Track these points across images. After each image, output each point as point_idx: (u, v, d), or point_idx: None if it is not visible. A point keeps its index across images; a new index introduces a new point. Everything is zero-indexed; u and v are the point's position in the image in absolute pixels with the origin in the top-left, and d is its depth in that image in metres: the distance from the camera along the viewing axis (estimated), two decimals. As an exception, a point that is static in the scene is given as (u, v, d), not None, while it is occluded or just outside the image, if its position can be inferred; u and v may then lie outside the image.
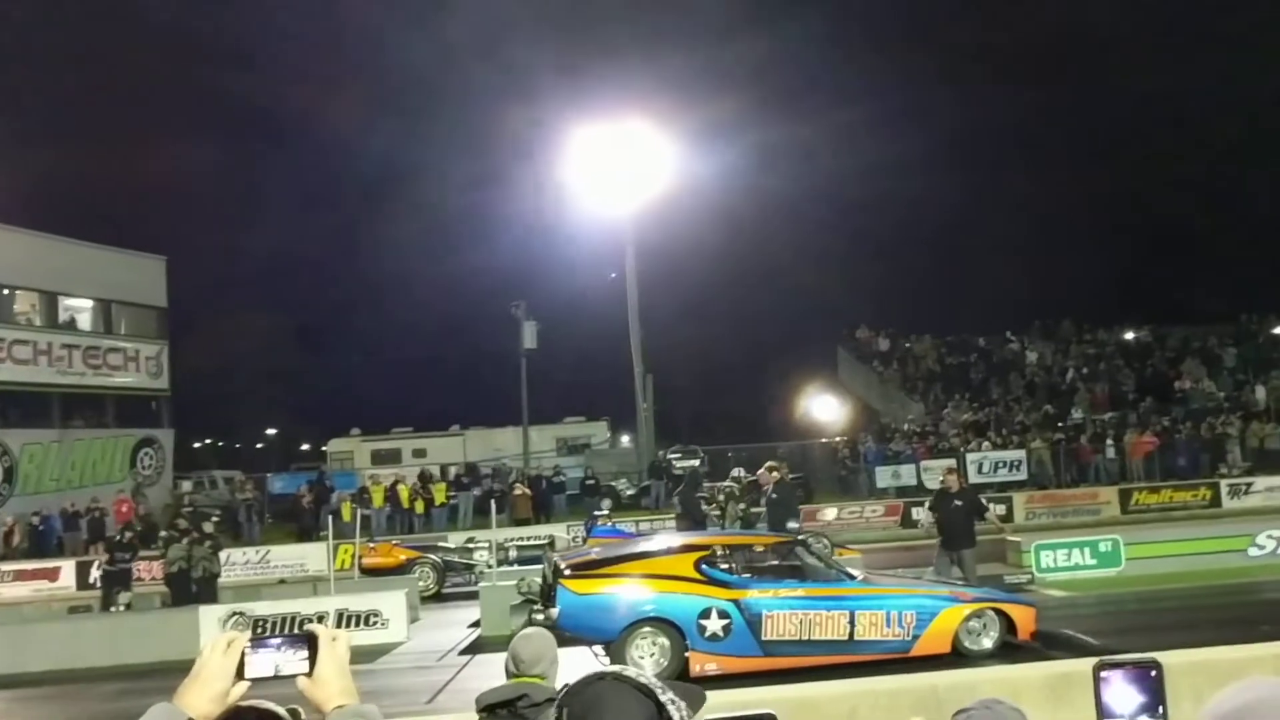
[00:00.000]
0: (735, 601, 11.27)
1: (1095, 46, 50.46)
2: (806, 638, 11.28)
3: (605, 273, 35.89)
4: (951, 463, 30.37)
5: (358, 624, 15.13)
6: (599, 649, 11.31)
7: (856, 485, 32.04)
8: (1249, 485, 29.36)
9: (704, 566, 11.58)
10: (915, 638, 11.38)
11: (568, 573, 11.49)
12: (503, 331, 39.79)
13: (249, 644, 1.90)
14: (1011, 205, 52.17)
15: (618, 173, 30.38)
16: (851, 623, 11.33)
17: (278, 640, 1.93)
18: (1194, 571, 16.91)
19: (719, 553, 12.12)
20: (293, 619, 14.65)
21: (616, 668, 1.87)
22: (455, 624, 16.26)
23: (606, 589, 11.38)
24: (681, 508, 18.62)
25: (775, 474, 16.94)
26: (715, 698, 6.04)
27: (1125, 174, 50.58)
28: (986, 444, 32.24)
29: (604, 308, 37.81)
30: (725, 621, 11.17)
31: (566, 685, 1.88)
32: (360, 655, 13.60)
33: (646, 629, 11.18)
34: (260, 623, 14.60)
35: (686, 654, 11.09)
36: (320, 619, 14.30)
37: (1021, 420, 34.33)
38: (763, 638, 11.23)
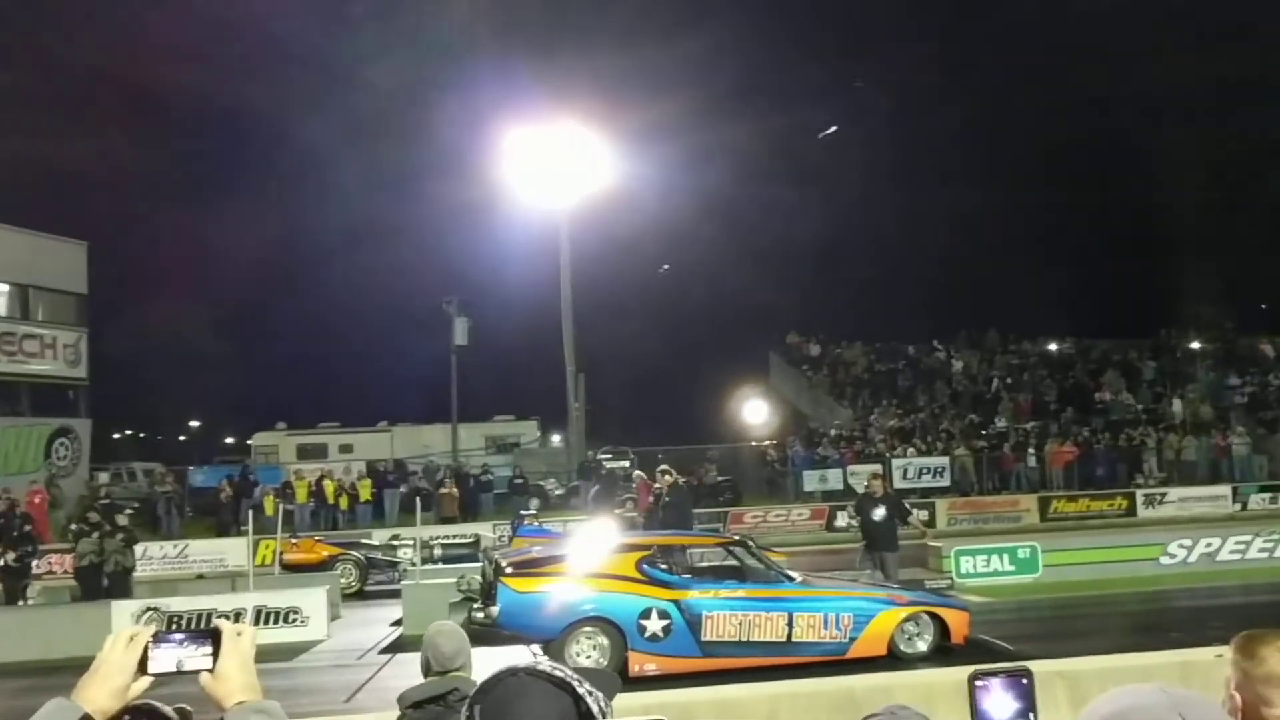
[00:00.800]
0: (676, 602, 11.30)
1: (1030, 59, 51.46)
2: (746, 639, 11.34)
3: (537, 269, 35.74)
4: (877, 468, 30.75)
5: (277, 621, 14.89)
6: (538, 648, 11.27)
7: (784, 488, 32.32)
8: (1164, 495, 30.20)
9: (645, 566, 11.59)
10: (852, 640, 11.50)
11: (509, 571, 11.44)
12: (433, 327, 39.51)
13: (152, 638, 1.86)
14: (942, 216, 52.98)
15: (553, 171, 30.30)
16: (790, 624, 11.41)
17: (181, 635, 1.89)
18: (1109, 579, 17.35)
19: (660, 553, 12.14)
20: (209, 615, 14.37)
21: (530, 661, 1.83)
22: (377, 622, 16.09)
23: (547, 588, 11.34)
24: (595, 509, 18.56)
25: (668, 478, 16.95)
26: (634, 699, 6.04)
27: (1054, 189, 51.65)
28: (912, 450, 32.74)
29: (536, 306, 37.72)
30: (665, 622, 11.19)
31: (477, 682, 1.83)
32: (279, 653, 13.43)
33: (587, 628, 11.17)
34: (175, 619, 14.29)
35: (626, 654, 11.09)
36: (237, 616, 14.03)
37: (946, 428, 34.89)
38: (702, 638, 11.26)
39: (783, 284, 49.34)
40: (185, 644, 1.88)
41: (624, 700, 5.79)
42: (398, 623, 15.35)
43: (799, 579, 12.17)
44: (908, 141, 55.43)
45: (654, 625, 11.17)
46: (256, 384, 57.89)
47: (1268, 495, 30.34)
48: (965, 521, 29.02)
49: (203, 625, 1.95)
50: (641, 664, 11.08)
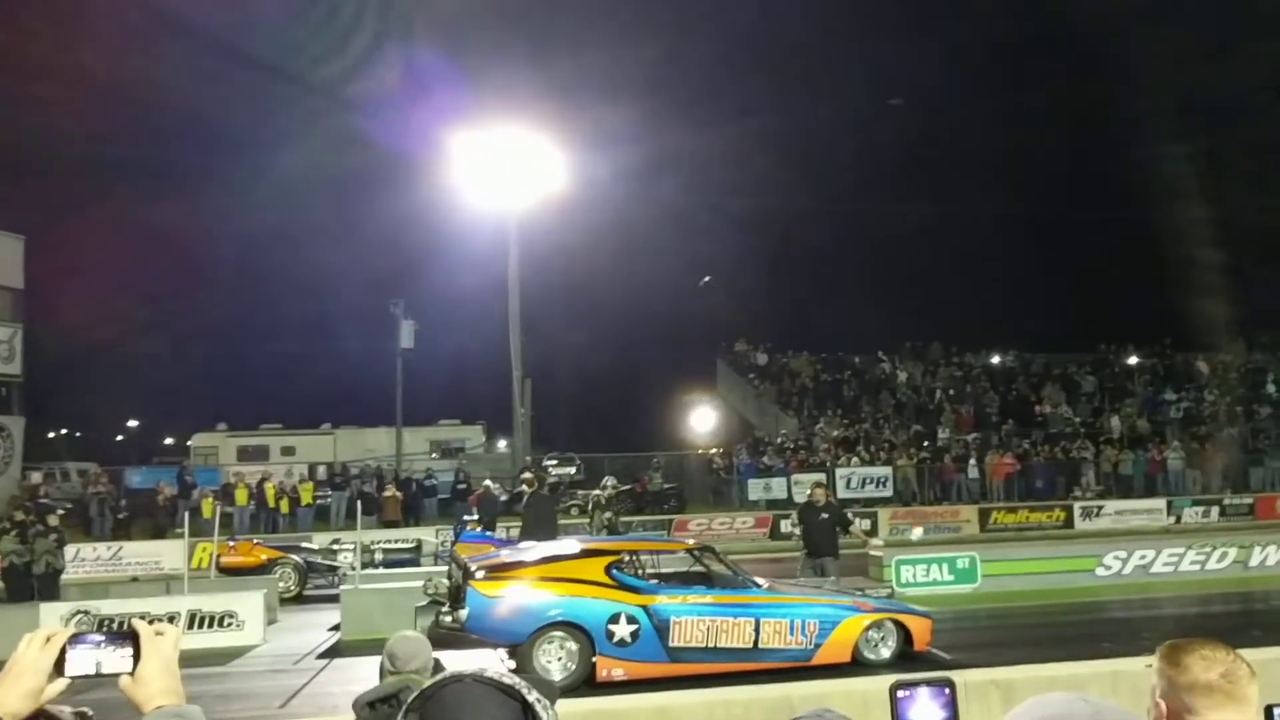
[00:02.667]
0: (644, 607, 11.29)
1: (976, 71, 52.23)
2: (713, 645, 11.38)
3: (486, 274, 35.57)
4: (821, 477, 30.98)
5: (212, 625, 14.65)
6: (503, 653, 11.20)
7: (729, 496, 32.44)
8: (1100, 508, 30.75)
9: (614, 571, 11.58)
10: (817, 646, 11.57)
11: (479, 575, 11.35)
12: (379, 330, 39.15)
13: (69, 640, 1.81)
14: (889, 230, 53.51)
15: (503, 175, 30.19)
16: (757, 630, 11.47)
17: (100, 637, 1.84)
18: (1045, 590, 17.60)
19: (629, 558, 12.15)
20: (141, 619, 14.08)
21: (476, 668, 1.78)
22: (315, 627, 15.88)
23: (516, 592, 11.27)
24: (534, 516, 18.34)
25: (526, 481, 16.83)
26: (573, 705, 6.01)
27: (999, 204, 52.38)
28: (856, 460, 33.01)
29: (484, 310, 37.52)
30: (634, 627, 11.18)
31: (420, 688, 1.78)
32: (213, 658, 13.23)
33: (556, 633, 11.13)
34: (106, 622, 14.00)
35: (594, 659, 11.07)
36: (171, 619, 13.77)
37: (889, 438, 35.23)
38: (670, 644, 11.27)
39: (732, 292, 49.53)
40: (104, 646, 1.83)
41: (567, 705, 5.76)
42: (336, 628, 15.17)
43: (766, 585, 12.24)
44: (855, 154, 55.97)
45: (622, 630, 11.16)
46: (197, 384, 56.97)
47: (1201, 509, 31.02)
48: (906, 531, 29.30)
49: (127, 627, 1.89)
50: (609, 669, 11.08)
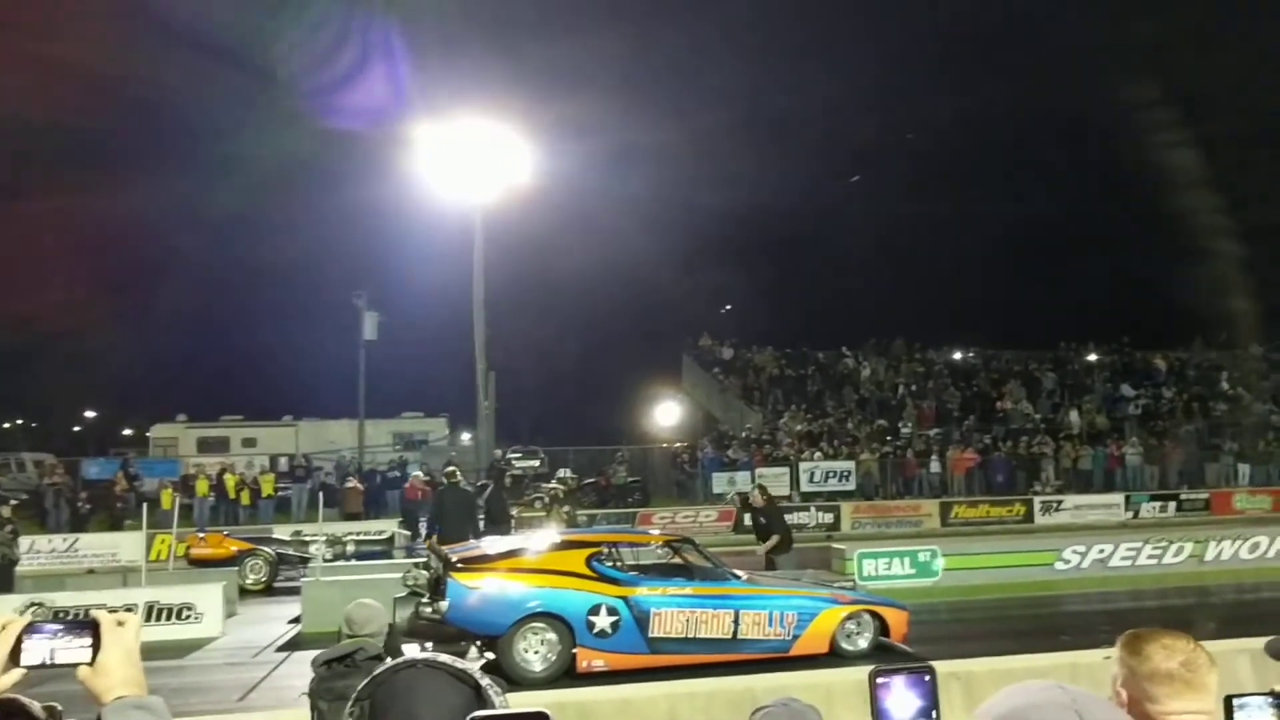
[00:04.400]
0: (625, 598, 11.35)
1: (938, 69, 52.57)
2: (692, 636, 11.45)
3: (451, 267, 35.35)
4: (784, 471, 31.27)
5: (170, 618, 14.49)
6: (475, 643, 11.17)
7: (693, 490, 32.50)
8: (1060, 503, 31.10)
9: (595, 563, 11.62)
10: (795, 637, 11.68)
11: (459, 566, 11.36)
12: (342, 322, 38.85)
13: (25, 629, 1.77)
14: (853, 227, 53.82)
15: (468, 167, 30.00)
16: (736, 622, 11.57)
17: (58, 626, 1.80)
18: (1005, 583, 17.78)
19: (609, 550, 12.20)
20: (99, 610, 13.91)
21: (428, 654, 1.78)
22: (275, 619, 15.75)
23: (496, 583, 11.27)
24: (487, 508, 18.32)
25: (448, 479, 16.81)
26: (529, 697, 6.00)
27: (962, 202, 52.82)
28: (819, 454, 33.17)
29: (448, 303, 37.31)
30: (614, 618, 11.24)
31: (379, 645, 1.78)
32: (171, 650, 13.08)
33: (536, 624, 11.13)
34: (61, 614, 13.82)
35: (575, 649, 11.10)
36: (127, 611, 13.61)
37: (853, 433, 35.43)
38: (650, 635, 11.33)
39: (697, 287, 49.63)
40: (62, 635, 1.79)
41: (530, 698, 5.75)
42: (297, 620, 15.05)
43: (745, 577, 12.32)
44: (821, 149, 56.20)
45: (603, 621, 11.22)
46: (156, 375, 56.31)
47: (1158, 504, 31.45)
48: (868, 525, 29.54)
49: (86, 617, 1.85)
50: (590, 660, 11.12)
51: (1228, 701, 2.48)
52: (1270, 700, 2.59)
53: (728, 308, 46.64)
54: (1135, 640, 2.30)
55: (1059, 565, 18.90)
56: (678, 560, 12.41)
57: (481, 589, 11.16)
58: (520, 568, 11.51)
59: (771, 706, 2.57)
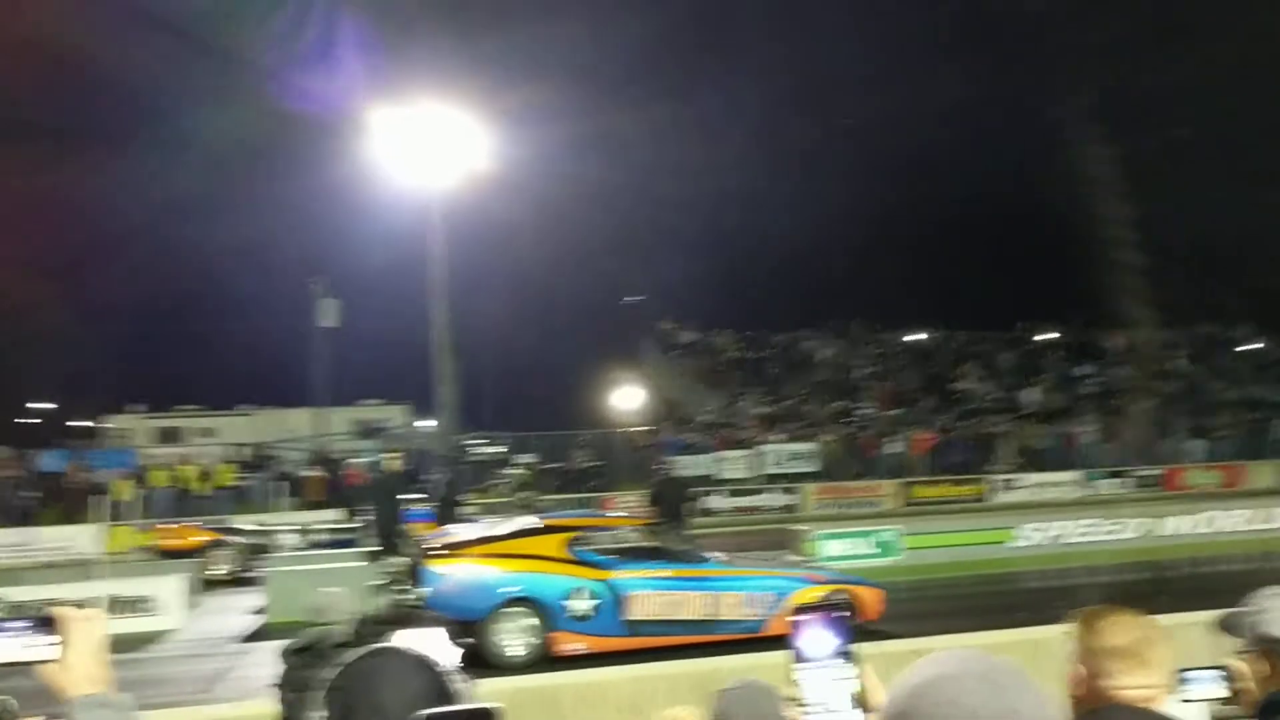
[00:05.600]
0: (603, 582, 11.44)
1: (889, 53, 52.76)
2: (670, 618, 11.57)
3: (409, 252, 35.10)
4: (746, 453, 31.41)
5: (129, 610, 14.35)
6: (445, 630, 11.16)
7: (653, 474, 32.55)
8: (1017, 481, 31.51)
9: (574, 547, 11.70)
10: (770, 616, 11.77)
11: (437, 552, 11.41)
12: (300, 308, 38.51)
13: None
14: (810, 209, 53.98)
15: (426, 152, 29.79)
16: (713, 603, 11.71)
17: (23, 623, 1.79)
18: (964, 561, 18.01)
19: (586, 534, 12.27)
20: (55, 604, 13.74)
21: (394, 642, 1.80)
22: (237, 610, 15.63)
23: (475, 569, 11.33)
24: (443, 494, 18.39)
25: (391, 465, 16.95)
26: (497, 684, 6.01)
27: (918, 184, 53.12)
28: (780, 436, 33.38)
29: (407, 288, 37.07)
30: (593, 602, 11.33)
31: (347, 629, 1.81)
32: (130, 643, 12.93)
33: (515, 609, 11.17)
34: (16, 608, 13.64)
35: (553, 634, 11.18)
36: (79, 605, 13.46)
37: (813, 414, 35.68)
38: (628, 618, 11.44)
39: (657, 271, 49.61)
40: (26, 632, 1.78)
41: (494, 685, 5.76)
42: (260, 611, 14.95)
43: (721, 558, 12.47)
44: (777, 133, 56.28)
45: (581, 605, 11.30)
46: (108, 364, 55.42)
47: (1113, 481, 31.95)
48: (830, 506, 29.76)
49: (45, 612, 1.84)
50: (569, 643, 11.20)
51: (1179, 675, 2.55)
52: (1220, 673, 2.67)
53: (640, 298, 46.53)
54: (1089, 618, 2.36)
55: (1019, 542, 19.17)
56: (654, 543, 12.52)
57: (459, 575, 11.23)
58: (498, 553, 11.58)
59: (736, 686, 2.64)
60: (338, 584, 13.35)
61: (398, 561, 12.78)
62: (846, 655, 1.57)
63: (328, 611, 4.59)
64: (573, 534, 12.01)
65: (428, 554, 11.40)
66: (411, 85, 30.76)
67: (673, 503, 16.00)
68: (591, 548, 12.05)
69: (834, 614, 1.58)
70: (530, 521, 13.01)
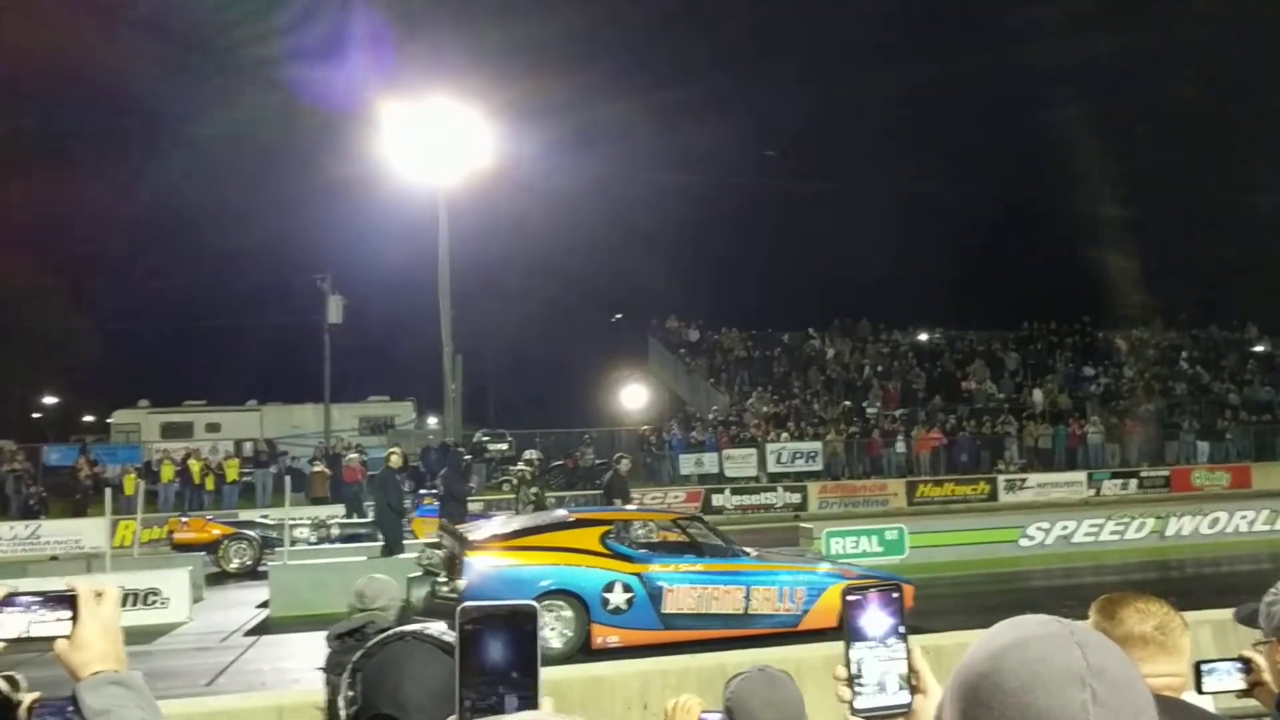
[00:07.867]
0: (638, 575, 11.50)
1: (891, 42, 52.73)
2: (704, 611, 11.62)
3: (416, 249, 35.14)
4: (751, 452, 31.43)
5: (135, 603, 14.36)
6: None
7: (660, 472, 32.56)
8: (1023, 481, 31.46)
9: (609, 541, 11.75)
10: (804, 612, 11.84)
11: (476, 544, 11.47)
12: (306, 305, 38.53)
13: (1, 601, 1.73)
14: (817, 207, 53.95)
15: (432, 148, 29.79)
16: (747, 597, 11.75)
17: (34, 598, 1.75)
18: (971, 560, 17.99)
19: (621, 527, 12.32)
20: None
21: (416, 627, 1.78)
22: (243, 604, 15.67)
23: (512, 561, 11.38)
24: (444, 489, 18.40)
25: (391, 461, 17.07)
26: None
27: (925, 183, 53.06)
28: (786, 435, 33.33)
29: (414, 285, 37.11)
30: (628, 595, 11.39)
31: (390, 618, 1.80)
32: (137, 636, 12.94)
33: (552, 601, 11.20)
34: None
35: (590, 626, 11.23)
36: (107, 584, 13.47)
37: (819, 414, 35.60)
38: (663, 611, 11.49)
39: (664, 268, 49.59)
40: (39, 608, 1.75)
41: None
42: (265, 604, 14.97)
43: (754, 554, 12.51)
44: (787, 129, 56.25)
45: (617, 598, 11.36)
46: (117, 360, 55.49)
47: (1119, 481, 31.88)
48: (836, 504, 29.74)
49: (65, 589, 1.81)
50: (604, 636, 11.26)
51: (1197, 666, 2.53)
52: (1238, 665, 2.65)
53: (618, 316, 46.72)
54: (1109, 605, 2.33)
55: (1023, 542, 19.13)
56: (687, 538, 12.55)
57: (498, 568, 11.27)
58: (535, 545, 11.65)
59: (747, 672, 2.62)
60: (340, 578, 13.41)
61: (434, 555, 12.81)
62: (899, 635, 1.56)
63: (373, 597, 4.59)
64: (607, 527, 12.05)
65: (466, 546, 11.44)
66: (417, 83, 30.75)
67: (623, 498, 16.66)
68: (626, 541, 12.12)
69: (888, 593, 1.57)
70: (565, 515, 13.07)
